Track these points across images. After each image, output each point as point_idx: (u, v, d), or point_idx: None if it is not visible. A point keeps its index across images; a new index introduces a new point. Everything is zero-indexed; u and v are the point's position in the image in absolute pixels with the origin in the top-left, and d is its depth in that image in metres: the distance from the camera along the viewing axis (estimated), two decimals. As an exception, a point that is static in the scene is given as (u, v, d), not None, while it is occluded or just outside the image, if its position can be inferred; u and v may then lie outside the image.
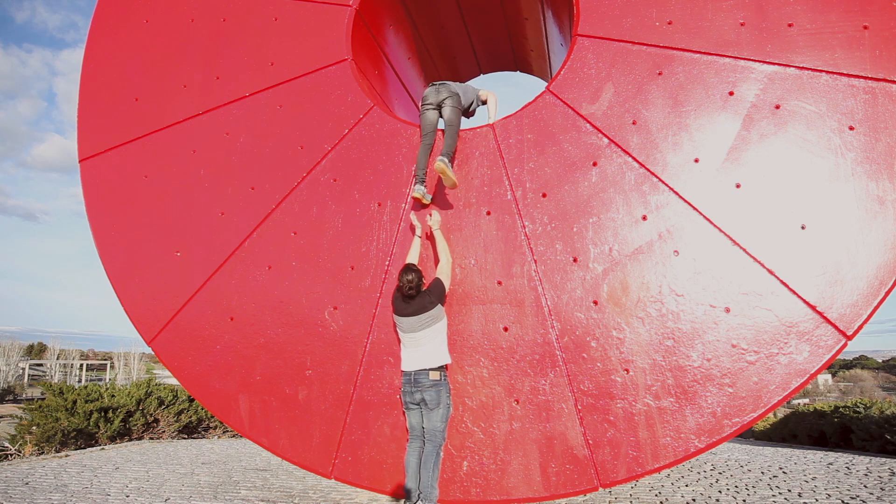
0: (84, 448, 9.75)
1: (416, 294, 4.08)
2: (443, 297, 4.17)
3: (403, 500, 4.02)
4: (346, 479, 4.38)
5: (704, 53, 4.18)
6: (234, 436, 11.43)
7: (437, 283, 4.18)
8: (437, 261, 4.39)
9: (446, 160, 4.32)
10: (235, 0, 5.56)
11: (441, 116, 4.61)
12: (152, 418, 11.00)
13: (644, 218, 4.07)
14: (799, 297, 3.75)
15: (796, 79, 3.98)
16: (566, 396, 4.01)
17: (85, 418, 10.10)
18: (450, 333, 4.31)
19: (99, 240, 5.40)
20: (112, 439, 10.30)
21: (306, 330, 4.63)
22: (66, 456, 8.39)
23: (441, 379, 4.03)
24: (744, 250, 3.87)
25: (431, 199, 4.51)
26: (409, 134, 4.76)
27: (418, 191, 4.41)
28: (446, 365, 4.13)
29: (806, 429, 10.94)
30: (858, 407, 9.86)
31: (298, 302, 4.69)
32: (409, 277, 4.06)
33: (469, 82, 8.09)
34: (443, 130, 4.60)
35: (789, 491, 5.40)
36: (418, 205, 4.53)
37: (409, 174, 4.65)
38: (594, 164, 4.25)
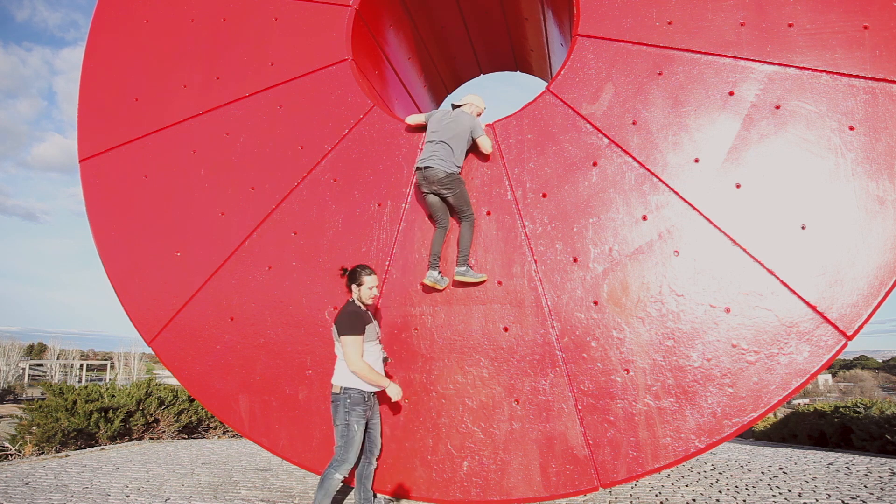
0: (84, 448, 9.75)
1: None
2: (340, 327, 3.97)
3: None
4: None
5: (704, 53, 4.18)
6: (234, 436, 11.42)
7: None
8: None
9: (463, 270, 4.20)
10: (235, 0, 5.56)
11: (444, 201, 4.31)
12: (152, 418, 10.99)
13: (644, 218, 4.07)
14: (799, 297, 3.75)
15: (796, 79, 3.98)
16: (566, 396, 4.02)
17: (85, 418, 10.09)
18: (450, 333, 4.31)
19: (99, 240, 5.40)
20: (112, 439, 10.30)
21: (306, 330, 4.63)
22: (67, 456, 8.38)
23: (340, 392, 3.93)
24: (744, 250, 3.87)
25: (447, 283, 4.31)
26: (410, 134, 4.76)
27: (430, 277, 4.22)
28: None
29: (806, 429, 10.94)
30: (858, 407, 9.85)
31: (298, 302, 4.69)
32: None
33: (469, 82, 8.10)
34: (457, 217, 4.35)
35: (789, 491, 5.39)
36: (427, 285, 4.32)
37: (409, 174, 4.65)
38: (594, 164, 4.25)
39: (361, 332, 3.90)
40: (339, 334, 3.92)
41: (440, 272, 4.29)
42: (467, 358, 4.25)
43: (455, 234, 4.38)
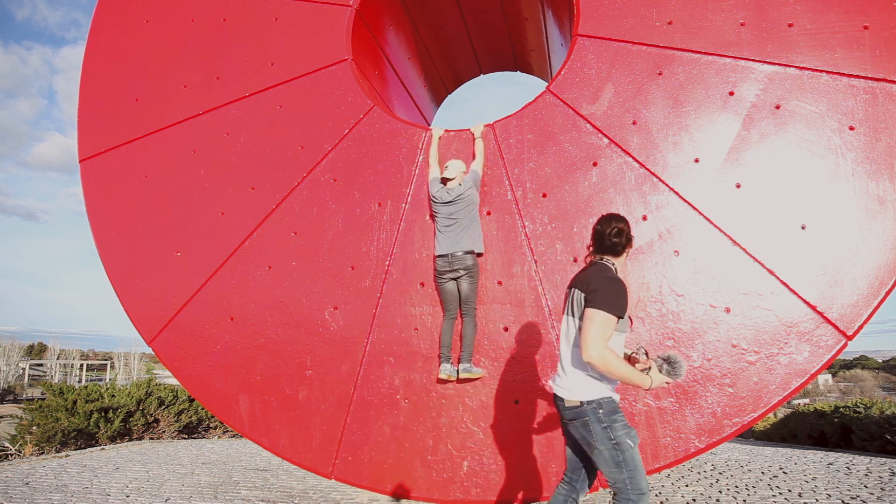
0: (84, 448, 9.75)
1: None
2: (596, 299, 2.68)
3: None
4: (346, 480, 4.37)
5: (704, 53, 4.18)
6: (234, 436, 11.42)
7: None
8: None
9: (468, 367, 4.09)
10: (235, 0, 5.56)
11: (458, 289, 4.20)
12: (152, 418, 10.99)
13: (644, 218, 4.07)
14: (799, 297, 3.75)
15: (796, 79, 3.98)
16: (566, 396, 4.01)
17: (85, 418, 10.09)
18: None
19: (99, 240, 5.40)
20: (112, 439, 10.30)
21: (306, 330, 4.63)
22: (67, 456, 8.38)
23: (583, 406, 2.70)
24: (744, 250, 3.87)
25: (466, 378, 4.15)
26: (409, 134, 4.76)
27: (445, 371, 4.11)
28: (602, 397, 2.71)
29: (806, 429, 10.94)
30: (858, 407, 9.84)
31: (298, 302, 4.69)
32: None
33: (470, 81, 8.11)
34: (462, 310, 4.22)
35: (789, 491, 5.39)
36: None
37: (409, 174, 4.65)
38: (594, 164, 4.25)
39: (623, 313, 2.67)
40: (594, 305, 2.63)
41: (452, 363, 4.18)
42: (467, 358, 4.24)
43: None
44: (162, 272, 5.11)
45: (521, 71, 8.04)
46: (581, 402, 2.72)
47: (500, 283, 4.27)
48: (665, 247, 4.00)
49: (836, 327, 3.68)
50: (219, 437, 11.52)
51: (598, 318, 2.61)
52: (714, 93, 4.11)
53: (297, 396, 4.56)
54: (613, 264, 2.84)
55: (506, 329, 4.20)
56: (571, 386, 2.77)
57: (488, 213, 4.40)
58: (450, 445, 4.17)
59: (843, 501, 4.91)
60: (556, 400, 2.87)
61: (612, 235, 2.81)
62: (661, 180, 4.08)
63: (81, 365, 60.40)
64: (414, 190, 4.61)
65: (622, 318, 2.67)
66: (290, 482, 6.18)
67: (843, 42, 3.94)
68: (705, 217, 3.96)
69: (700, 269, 3.92)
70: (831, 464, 7.04)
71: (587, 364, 2.64)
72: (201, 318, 4.93)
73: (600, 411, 2.69)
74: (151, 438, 10.86)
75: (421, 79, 7.30)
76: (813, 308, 3.72)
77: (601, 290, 2.65)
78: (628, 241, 2.87)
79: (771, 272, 3.81)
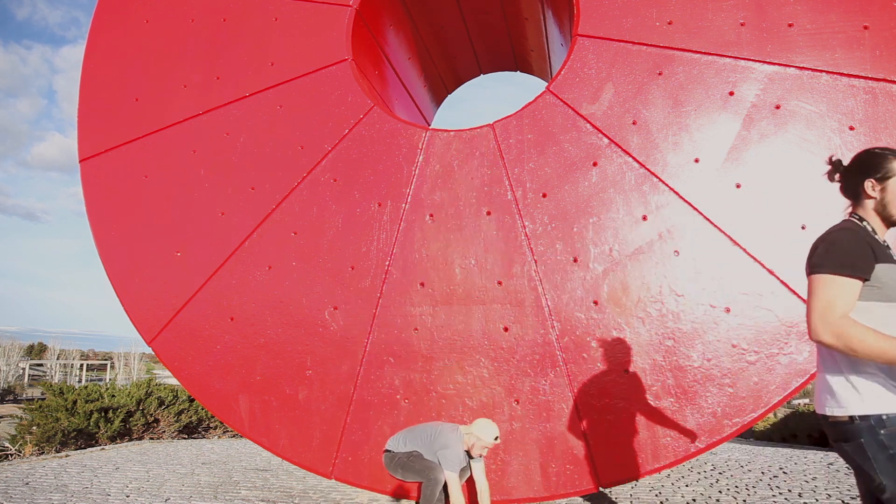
0: (84, 448, 9.75)
1: None
2: None
3: None
4: (346, 480, 4.38)
5: (704, 53, 4.18)
6: (234, 436, 11.42)
7: None
8: None
9: None
10: (235, 0, 5.56)
11: None
12: (152, 418, 10.99)
13: (644, 218, 4.07)
14: (799, 297, 3.74)
15: (796, 79, 3.98)
16: (566, 396, 4.02)
17: (85, 418, 10.10)
18: (451, 333, 4.30)
19: (99, 240, 5.40)
20: (112, 439, 10.30)
21: (306, 330, 4.63)
22: (67, 456, 8.38)
23: (853, 422, 1.88)
24: (744, 250, 3.87)
25: None
26: (409, 134, 4.76)
27: None
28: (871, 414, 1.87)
29: (806, 429, 10.94)
30: (858, 407, 9.83)
31: (298, 302, 4.69)
32: None
33: (469, 81, 8.09)
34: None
35: (789, 491, 5.39)
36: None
37: (409, 174, 4.65)
38: (594, 164, 4.25)
39: (858, 271, 1.89)
40: (813, 270, 1.97)
41: None
42: (467, 358, 4.25)
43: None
44: (162, 272, 5.11)
45: (521, 71, 8.03)
46: (850, 418, 1.89)
47: (500, 283, 4.27)
48: (665, 247, 4.00)
49: (836, 327, 3.68)
50: (219, 437, 11.53)
51: (821, 283, 1.90)
52: (714, 93, 4.11)
53: (297, 396, 4.56)
54: (863, 220, 2.03)
55: (506, 329, 4.20)
56: (834, 394, 1.95)
57: (488, 213, 4.40)
58: (450, 445, 4.16)
59: (843, 501, 4.91)
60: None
61: (847, 164, 2.12)
62: (661, 180, 4.08)
63: (81, 365, 60.34)
64: (414, 190, 4.61)
65: (866, 279, 1.88)
66: (290, 482, 6.17)
67: (843, 42, 3.94)
68: (705, 217, 3.96)
69: (700, 269, 3.92)
70: (831, 464, 7.04)
71: (817, 343, 1.92)
72: (201, 318, 4.93)
73: (882, 432, 1.83)
74: (151, 438, 10.86)
75: (421, 79, 7.30)
76: (813, 308, 3.72)
77: (820, 248, 1.97)
78: (870, 166, 2.02)
79: (771, 272, 3.81)
